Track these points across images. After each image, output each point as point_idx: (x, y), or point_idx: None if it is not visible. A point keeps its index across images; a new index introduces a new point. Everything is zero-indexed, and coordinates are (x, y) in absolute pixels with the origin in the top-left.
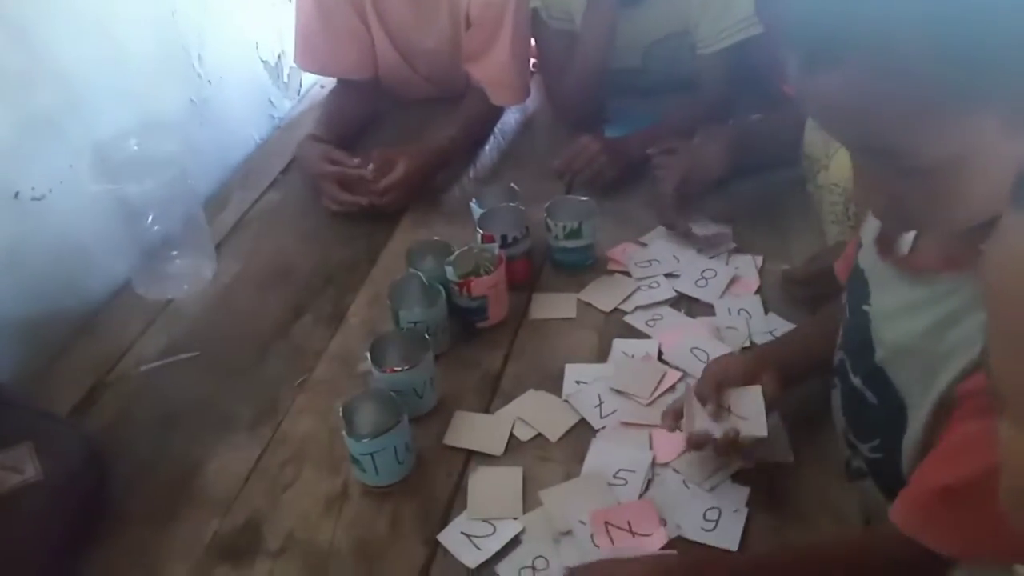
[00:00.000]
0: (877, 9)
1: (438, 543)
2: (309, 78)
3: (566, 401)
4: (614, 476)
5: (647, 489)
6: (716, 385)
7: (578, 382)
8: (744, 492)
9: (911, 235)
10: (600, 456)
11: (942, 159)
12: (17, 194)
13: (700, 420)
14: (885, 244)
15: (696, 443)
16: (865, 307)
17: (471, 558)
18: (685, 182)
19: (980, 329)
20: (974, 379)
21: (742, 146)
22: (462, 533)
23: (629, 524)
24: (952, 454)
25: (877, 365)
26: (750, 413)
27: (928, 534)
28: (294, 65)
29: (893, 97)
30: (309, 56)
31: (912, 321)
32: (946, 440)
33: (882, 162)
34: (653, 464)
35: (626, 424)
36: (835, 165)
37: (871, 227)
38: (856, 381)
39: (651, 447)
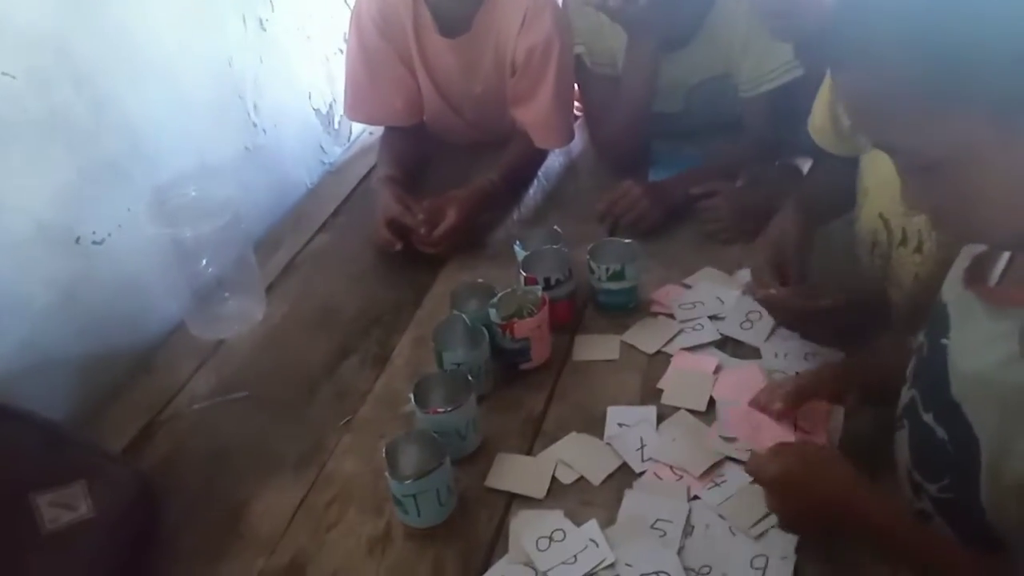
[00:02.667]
0: (863, 23)
1: None
2: (359, 125)
3: (608, 444)
4: (651, 527)
5: (687, 537)
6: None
7: (620, 424)
8: (792, 540)
9: (1000, 267)
10: (638, 505)
11: (939, 157)
12: (79, 239)
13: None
14: (975, 274)
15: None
16: (944, 340)
17: None
18: (734, 226)
19: None
20: None
21: (786, 190)
22: None
23: None
24: None
25: (952, 400)
26: None
27: None
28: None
29: (882, 98)
30: (357, 107)
31: (990, 353)
32: None
33: (898, 160)
34: (690, 516)
35: (665, 472)
36: (862, 216)
37: (960, 260)
38: (927, 418)
39: (689, 498)
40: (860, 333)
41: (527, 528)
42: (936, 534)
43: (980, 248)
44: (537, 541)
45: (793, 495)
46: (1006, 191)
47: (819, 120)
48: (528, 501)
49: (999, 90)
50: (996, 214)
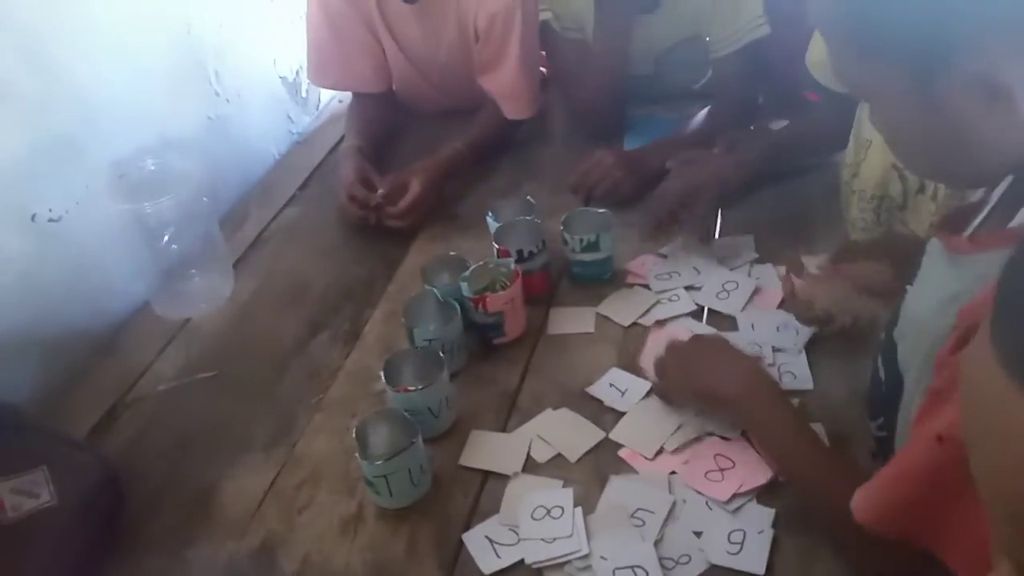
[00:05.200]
0: None
1: (454, 566)
2: (327, 93)
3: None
4: (632, 515)
5: (666, 527)
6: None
7: (611, 385)
8: (769, 513)
9: (979, 219)
10: (619, 493)
11: (864, 94)
12: (34, 216)
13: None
14: (950, 224)
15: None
16: (908, 286)
17: (488, 564)
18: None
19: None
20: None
21: (763, 156)
22: (486, 537)
23: None
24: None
25: (892, 340)
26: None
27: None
28: None
29: (818, 23)
30: (322, 71)
31: (932, 297)
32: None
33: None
34: (673, 507)
35: (647, 460)
36: (865, 170)
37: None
38: (879, 359)
39: (671, 490)
40: None
41: (530, 493)
42: (813, 441)
43: (976, 195)
44: (534, 510)
45: (680, 370)
46: (924, 142)
47: (816, 53)
48: (503, 479)
49: (909, 54)
50: (915, 155)
